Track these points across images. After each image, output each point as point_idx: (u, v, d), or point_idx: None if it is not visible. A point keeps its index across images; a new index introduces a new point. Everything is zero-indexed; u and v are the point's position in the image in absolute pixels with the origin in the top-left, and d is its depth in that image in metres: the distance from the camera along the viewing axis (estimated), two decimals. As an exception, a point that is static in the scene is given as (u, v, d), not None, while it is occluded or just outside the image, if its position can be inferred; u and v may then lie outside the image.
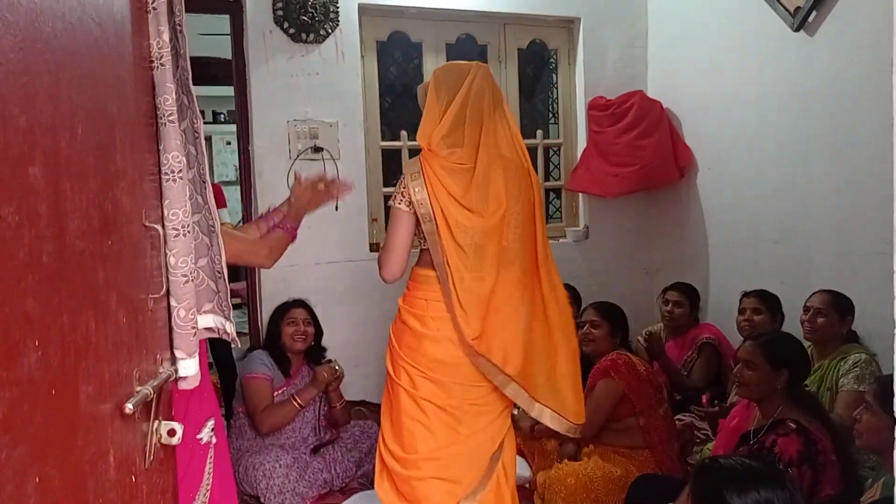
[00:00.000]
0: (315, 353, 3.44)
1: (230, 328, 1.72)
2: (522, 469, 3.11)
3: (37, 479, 0.89)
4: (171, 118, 1.42)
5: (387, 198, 4.15)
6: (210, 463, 2.07)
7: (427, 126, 2.30)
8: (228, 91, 3.94)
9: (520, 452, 3.25)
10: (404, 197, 2.29)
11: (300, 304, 3.45)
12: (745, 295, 3.43)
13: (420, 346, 2.32)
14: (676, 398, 3.50)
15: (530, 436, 3.24)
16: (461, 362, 2.30)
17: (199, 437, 2.01)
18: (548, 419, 2.38)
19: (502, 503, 2.37)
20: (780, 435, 2.38)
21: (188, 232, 1.46)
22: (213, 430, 2.07)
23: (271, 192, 3.66)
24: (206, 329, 1.67)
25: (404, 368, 2.35)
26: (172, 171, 1.44)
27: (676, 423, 3.27)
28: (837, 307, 2.97)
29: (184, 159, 1.49)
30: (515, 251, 2.33)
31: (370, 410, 3.82)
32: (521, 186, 2.34)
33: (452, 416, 2.31)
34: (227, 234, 2.17)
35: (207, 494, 2.06)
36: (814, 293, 3.05)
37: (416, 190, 2.26)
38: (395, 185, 2.42)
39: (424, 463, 2.30)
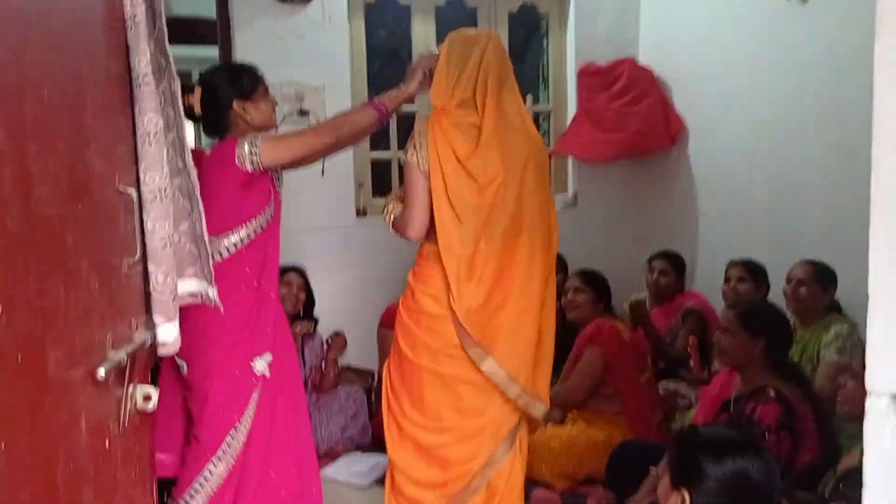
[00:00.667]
0: (304, 319, 3.43)
1: (212, 292, 1.72)
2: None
3: (2, 445, 0.89)
4: (146, 80, 1.40)
5: (374, 163, 4.13)
6: (257, 395, 2.20)
7: (439, 88, 2.27)
8: (213, 52, 3.87)
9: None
10: (415, 150, 2.26)
11: (296, 269, 3.43)
12: (732, 264, 3.43)
13: (440, 326, 2.27)
14: (660, 366, 3.52)
15: None
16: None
17: (251, 363, 2.19)
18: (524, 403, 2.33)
19: (517, 469, 2.38)
20: (760, 402, 2.41)
21: (166, 196, 1.45)
22: (268, 364, 2.22)
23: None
24: (189, 294, 1.66)
25: (426, 347, 2.29)
26: (149, 134, 1.42)
27: (661, 390, 3.30)
28: (820, 277, 2.97)
29: (161, 121, 1.47)
30: (518, 222, 2.27)
31: (356, 375, 3.83)
32: (530, 157, 2.29)
33: (480, 390, 2.29)
34: (285, 137, 2.27)
35: (249, 425, 2.19)
36: (797, 263, 3.06)
37: (421, 145, 2.24)
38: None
39: (451, 432, 2.30)
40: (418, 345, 2.30)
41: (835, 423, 2.52)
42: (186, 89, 2.07)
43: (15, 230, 0.94)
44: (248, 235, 2.18)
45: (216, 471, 2.17)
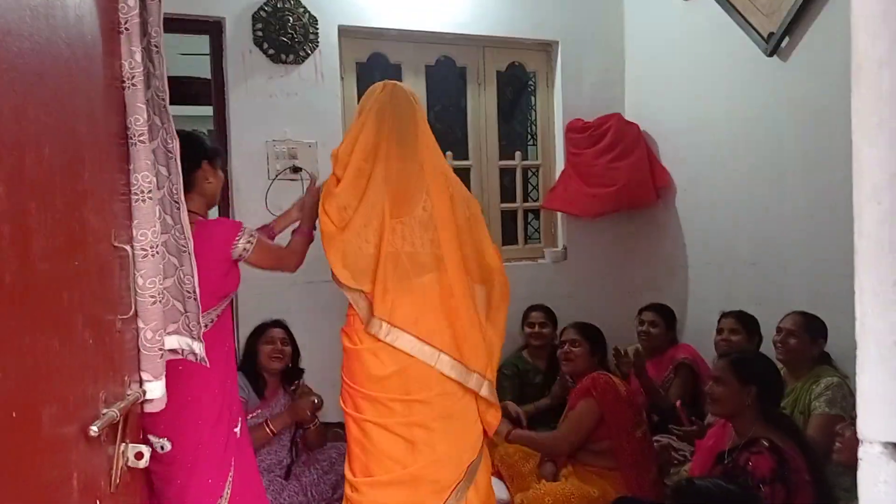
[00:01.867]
0: (291, 374, 3.41)
1: (198, 348, 1.71)
2: (500, 491, 3.10)
3: (-6, 504, 0.88)
4: (141, 138, 1.42)
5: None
6: (234, 457, 2.27)
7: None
8: (208, 111, 3.93)
9: (497, 474, 3.24)
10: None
11: (278, 323, 3.42)
12: (724, 315, 3.45)
13: (352, 364, 2.44)
14: (654, 419, 3.50)
15: (504, 440, 3.24)
16: (390, 374, 2.37)
17: (235, 430, 2.28)
18: (447, 366, 2.41)
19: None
20: (754, 453, 2.40)
21: (156, 252, 1.46)
22: (241, 423, 2.34)
23: (249, 211, 3.64)
24: (169, 350, 1.65)
25: (347, 392, 2.44)
26: (142, 192, 1.43)
27: (654, 444, 3.27)
28: (809, 329, 2.99)
29: (154, 179, 1.49)
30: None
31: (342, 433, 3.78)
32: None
33: (399, 437, 2.36)
34: (270, 247, 2.48)
35: (231, 485, 2.25)
36: (786, 315, 3.08)
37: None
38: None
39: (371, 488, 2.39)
40: (343, 391, 2.48)
41: (829, 475, 2.50)
42: None
43: (12, 285, 0.94)
44: (223, 307, 2.32)
45: None
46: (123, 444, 1.28)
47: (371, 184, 2.41)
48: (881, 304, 0.86)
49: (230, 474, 2.23)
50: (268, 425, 3.11)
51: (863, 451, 0.88)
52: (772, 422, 2.52)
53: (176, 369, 1.71)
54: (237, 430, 2.28)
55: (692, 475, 2.75)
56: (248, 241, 2.31)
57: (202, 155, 2.38)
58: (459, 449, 2.42)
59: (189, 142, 2.31)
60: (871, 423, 0.88)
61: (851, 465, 2.22)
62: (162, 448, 2.09)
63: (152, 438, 2.06)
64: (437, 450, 2.37)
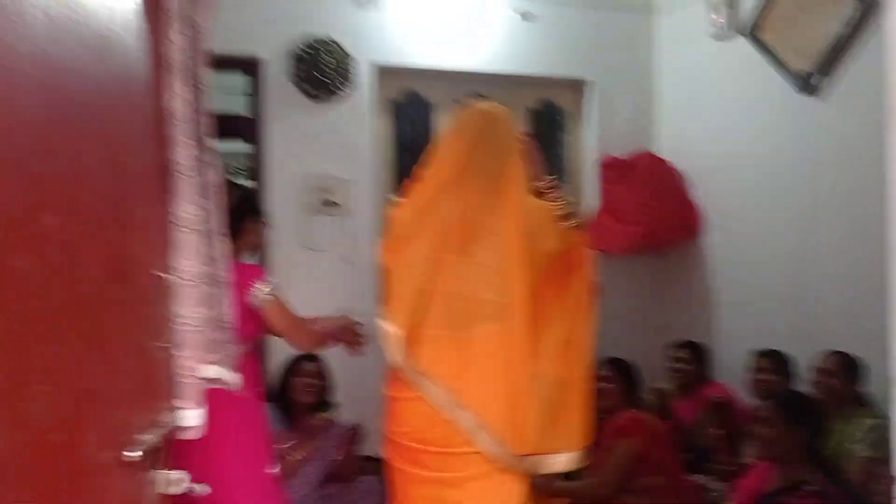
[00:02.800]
0: (323, 409, 3.42)
1: (234, 379, 1.73)
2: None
3: (35, 526, 0.89)
4: (185, 171, 1.46)
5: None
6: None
7: None
8: (246, 147, 4.02)
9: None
10: None
11: (312, 357, 3.44)
12: (758, 354, 3.40)
13: (387, 410, 2.32)
14: (687, 458, 3.43)
15: (550, 491, 3.17)
16: (424, 426, 2.17)
17: (274, 470, 2.32)
18: (485, 444, 2.12)
19: None
20: (799, 497, 2.33)
21: (196, 283, 1.48)
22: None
23: (284, 245, 3.70)
24: (208, 381, 1.67)
25: (386, 438, 2.32)
26: (185, 224, 1.47)
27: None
28: (847, 368, 2.93)
29: (197, 212, 1.52)
30: None
31: (377, 466, 3.76)
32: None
33: (427, 494, 2.19)
34: (288, 311, 2.39)
35: None
36: (824, 354, 3.03)
37: None
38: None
39: None
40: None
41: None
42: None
43: (59, 312, 0.97)
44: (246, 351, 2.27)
45: None
46: (162, 470, 1.30)
47: (438, 213, 2.19)
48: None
49: None
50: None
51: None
52: (817, 463, 2.46)
53: (217, 408, 1.73)
54: (273, 470, 2.31)
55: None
56: (270, 293, 2.30)
57: (250, 211, 2.51)
58: None
59: (244, 196, 2.55)
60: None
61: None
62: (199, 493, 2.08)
63: (196, 487, 2.07)
64: None
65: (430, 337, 2.15)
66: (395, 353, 2.18)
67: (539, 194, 2.33)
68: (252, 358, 2.35)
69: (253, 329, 2.32)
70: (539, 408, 2.15)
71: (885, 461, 2.56)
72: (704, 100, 4.21)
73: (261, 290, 2.28)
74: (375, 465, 3.73)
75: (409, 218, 2.25)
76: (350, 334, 3.02)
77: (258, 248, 2.66)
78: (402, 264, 2.21)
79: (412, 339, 2.16)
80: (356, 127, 3.92)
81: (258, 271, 2.36)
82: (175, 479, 1.34)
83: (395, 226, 2.28)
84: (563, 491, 3.14)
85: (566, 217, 2.34)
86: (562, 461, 2.22)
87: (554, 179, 2.40)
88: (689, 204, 4.26)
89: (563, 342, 2.24)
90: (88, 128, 1.10)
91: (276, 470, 2.32)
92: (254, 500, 2.20)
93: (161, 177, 1.41)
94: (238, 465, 2.18)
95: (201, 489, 2.06)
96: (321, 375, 3.41)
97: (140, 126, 1.32)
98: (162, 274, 1.40)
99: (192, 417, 1.51)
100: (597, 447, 3.19)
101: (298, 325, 2.47)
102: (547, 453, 2.19)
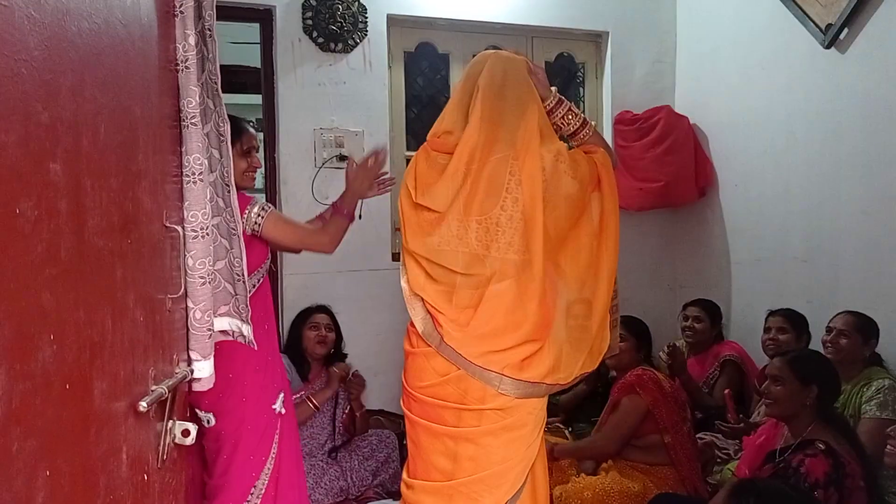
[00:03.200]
0: (335, 359, 3.45)
1: (247, 331, 1.74)
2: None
3: (47, 473, 0.90)
4: (193, 121, 1.44)
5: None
6: (277, 434, 2.29)
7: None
8: (257, 99, 3.98)
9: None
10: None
11: (323, 309, 3.47)
12: (772, 314, 3.37)
13: (407, 365, 2.27)
14: (698, 416, 3.45)
15: (550, 457, 3.21)
16: (442, 381, 2.15)
17: (273, 406, 2.28)
18: (510, 387, 2.10)
19: None
20: (809, 455, 2.33)
21: (207, 234, 1.48)
22: (283, 401, 2.32)
23: (296, 199, 3.68)
24: (220, 332, 1.68)
25: (405, 392, 2.27)
26: (193, 174, 1.46)
27: (698, 441, 3.22)
28: (861, 329, 2.91)
29: (206, 162, 1.51)
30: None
31: (389, 420, 3.81)
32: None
33: (444, 447, 2.16)
34: (289, 221, 2.36)
35: (273, 461, 2.28)
36: (837, 314, 3.00)
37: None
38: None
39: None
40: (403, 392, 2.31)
41: (880, 479, 2.44)
42: None
43: (68, 261, 0.96)
44: (253, 285, 2.23)
45: None
46: (171, 420, 1.31)
47: (454, 175, 2.13)
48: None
49: (273, 451, 2.27)
50: (310, 400, 3.19)
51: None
52: (828, 422, 2.45)
53: (217, 348, 1.74)
54: (277, 407, 2.30)
55: (739, 473, 2.70)
56: (260, 213, 2.21)
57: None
58: (500, 476, 2.13)
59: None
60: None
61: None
62: (208, 423, 2.14)
63: (199, 413, 2.11)
64: (481, 468, 2.12)
65: (449, 296, 2.13)
66: (417, 317, 2.19)
67: (549, 113, 2.28)
68: (261, 292, 2.29)
69: (254, 259, 2.21)
70: (564, 339, 2.13)
71: (895, 422, 2.56)
72: (724, 53, 4.11)
73: (253, 214, 2.20)
74: (386, 419, 3.79)
75: (430, 182, 2.18)
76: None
77: (241, 183, 2.30)
78: (423, 231, 2.17)
79: (433, 298, 2.17)
80: (369, 79, 3.86)
81: (246, 199, 2.22)
82: (187, 429, 1.35)
83: (417, 190, 2.20)
84: (571, 453, 3.17)
85: (579, 129, 2.32)
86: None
87: (558, 94, 2.30)
88: (705, 160, 4.20)
89: (587, 267, 2.23)
90: (95, 74, 1.07)
91: (281, 408, 2.32)
92: (258, 435, 2.23)
93: (170, 126, 1.39)
94: (245, 401, 2.22)
95: (205, 417, 2.12)
96: (332, 327, 3.43)
97: (148, 74, 1.30)
98: (172, 225, 1.39)
99: (204, 368, 1.51)
100: (607, 404, 3.22)
101: (308, 231, 2.41)
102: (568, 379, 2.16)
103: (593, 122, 2.37)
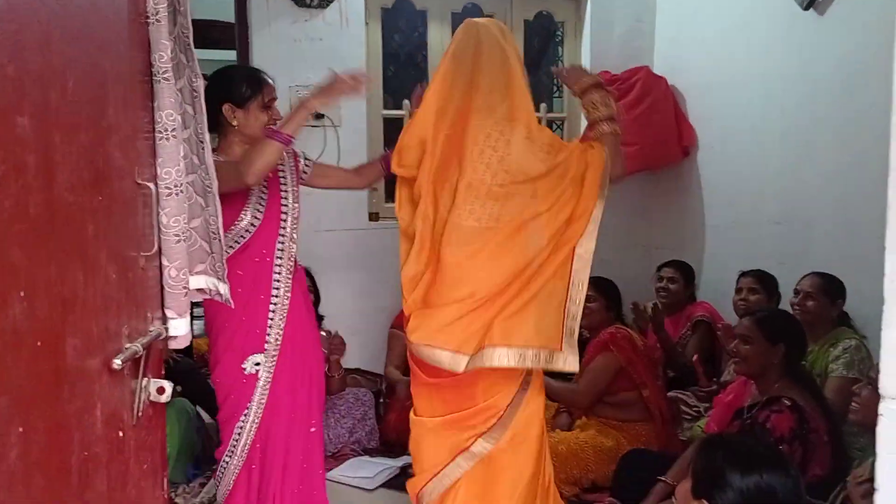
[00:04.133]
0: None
1: (223, 289, 1.72)
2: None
3: (20, 429, 0.90)
4: (165, 76, 1.41)
5: (387, 167, 4.14)
6: (260, 395, 2.30)
7: None
8: (231, 55, 3.91)
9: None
10: None
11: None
12: (743, 274, 3.42)
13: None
14: (670, 375, 3.51)
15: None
16: None
17: (242, 366, 2.29)
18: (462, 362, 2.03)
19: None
20: (774, 411, 2.39)
21: (181, 191, 1.45)
22: (257, 365, 2.30)
23: (271, 157, 3.65)
24: (197, 290, 1.67)
25: None
26: (166, 130, 1.43)
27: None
28: (827, 290, 2.96)
29: (179, 118, 1.48)
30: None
31: (366, 379, 3.84)
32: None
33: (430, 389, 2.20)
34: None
35: (255, 424, 2.30)
36: (804, 276, 3.05)
37: None
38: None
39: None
40: None
41: (845, 435, 2.51)
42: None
43: (37, 217, 0.95)
44: (226, 251, 2.12)
45: (231, 462, 2.32)
46: (146, 378, 1.30)
47: (428, 144, 2.12)
48: (911, 259, 0.84)
49: (250, 411, 2.30)
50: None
51: (883, 407, 0.88)
52: (795, 379, 2.51)
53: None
54: (246, 367, 2.29)
55: (708, 430, 2.76)
56: (309, 162, 2.32)
57: (221, 97, 2.29)
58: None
59: (209, 84, 2.26)
60: (893, 379, 0.87)
61: (867, 426, 2.22)
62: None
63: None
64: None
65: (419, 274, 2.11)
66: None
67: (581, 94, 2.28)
68: (244, 257, 2.28)
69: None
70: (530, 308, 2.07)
71: (860, 380, 2.63)
72: (703, 14, 4.09)
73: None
74: (363, 377, 3.81)
75: (407, 150, 2.16)
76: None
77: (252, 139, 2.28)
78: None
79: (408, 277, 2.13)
80: (345, 36, 3.80)
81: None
82: (162, 386, 1.35)
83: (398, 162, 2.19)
84: (548, 389, 3.22)
85: (599, 121, 2.23)
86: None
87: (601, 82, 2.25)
88: (683, 124, 4.20)
89: (552, 246, 2.11)
90: (62, 26, 1.05)
91: (253, 370, 2.31)
92: (226, 386, 2.32)
93: (140, 81, 1.36)
94: (216, 350, 2.31)
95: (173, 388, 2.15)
96: (311, 288, 3.42)
97: (117, 26, 1.26)
98: (145, 182, 1.36)
99: (180, 326, 1.50)
100: (581, 363, 3.27)
101: (231, 166, 2.18)
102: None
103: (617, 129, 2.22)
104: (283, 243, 2.34)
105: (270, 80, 2.40)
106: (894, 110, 0.87)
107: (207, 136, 1.67)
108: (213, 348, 2.36)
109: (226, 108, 2.30)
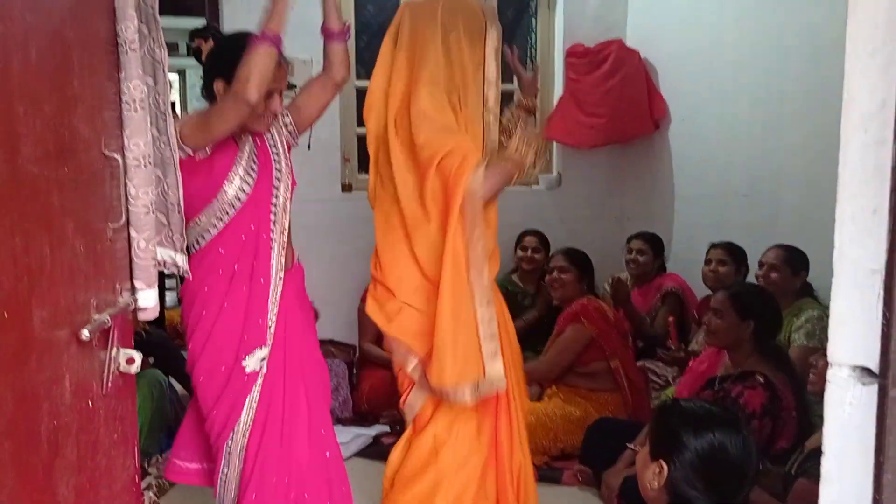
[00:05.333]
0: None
1: (181, 260, 1.72)
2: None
3: (-12, 398, 0.91)
4: (132, 46, 1.40)
5: (360, 138, 4.12)
6: (255, 391, 2.08)
7: None
8: (201, 23, 3.84)
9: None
10: None
11: None
12: (713, 246, 3.48)
13: None
14: (639, 345, 3.57)
15: None
16: None
17: (243, 363, 2.06)
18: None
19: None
20: (748, 387, 2.45)
21: (149, 163, 1.45)
22: (262, 360, 2.08)
23: (243, 128, 3.62)
24: (161, 262, 1.66)
25: None
26: (133, 101, 1.42)
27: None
28: (790, 262, 3.02)
29: (145, 89, 1.47)
30: None
31: (339, 349, 3.86)
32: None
33: None
34: (188, 116, 2.15)
35: (249, 423, 2.08)
36: (768, 249, 3.10)
37: None
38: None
39: None
40: None
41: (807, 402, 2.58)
42: (205, 32, 2.26)
43: (1, 187, 0.95)
44: (208, 228, 2.07)
45: (230, 474, 2.13)
46: (115, 349, 1.31)
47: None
48: (859, 231, 0.87)
49: (243, 416, 2.07)
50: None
51: (831, 374, 0.91)
52: (766, 354, 2.57)
53: None
54: (246, 364, 2.06)
55: (678, 397, 2.82)
56: (178, 129, 1.87)
57: (217, 72, 2.08)
58: None
59: (212, 52, 2.22)
60: (841, 347, 0.90)
61: (823, 394, 2.26)
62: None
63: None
64: None
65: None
66: None
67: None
68: (230, 234, 2.09)
69: (199, 198, 2.03)
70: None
71: (819, 349, 2.70)
72: (676, -13, 4.11)
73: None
74: (336, 348, 3.83)
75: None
76: None
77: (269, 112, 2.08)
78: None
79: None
80: (317, 5, 3.75)
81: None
82: (132, 357, 1.36)
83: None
84: None
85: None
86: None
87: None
88: (654, 97, 4.23)
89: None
90: (24, -6, 1.03)
91: (253, 367, 2.08)
92: (213, 390, 2.10)
93: (106, 51, 1.35)
94: (194, 345, 2.11)
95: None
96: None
97: (81, -5, 1.25)
98: (111, 153, 1.36)
99: (149, 298, 1.51)
100: (552, 334, 3.32)
101: (221, 108, 2.00)
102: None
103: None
104: (275, 214, 2.16)
105: (284, 65, 2.13)
106: (846, 86, 0.90)
107: (169, 107, 1.64)
108: (191, 341, 2.08)
109: (217, 84, 2.07)
